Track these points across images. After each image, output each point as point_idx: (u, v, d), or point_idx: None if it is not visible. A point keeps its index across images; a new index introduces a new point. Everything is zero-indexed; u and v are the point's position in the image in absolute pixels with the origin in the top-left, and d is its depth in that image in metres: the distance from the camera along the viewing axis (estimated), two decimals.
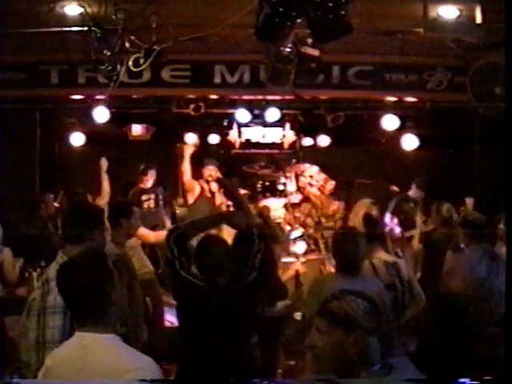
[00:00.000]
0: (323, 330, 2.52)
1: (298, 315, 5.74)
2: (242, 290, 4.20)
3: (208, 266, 4.21)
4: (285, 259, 8.04)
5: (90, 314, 2.54)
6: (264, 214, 6.13)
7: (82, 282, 2.53)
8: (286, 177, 9.57)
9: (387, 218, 7.81)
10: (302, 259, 8.33)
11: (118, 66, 6.70)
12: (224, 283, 4.18)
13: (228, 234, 6.04)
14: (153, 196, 9.10)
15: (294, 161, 9.92)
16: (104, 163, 8.54)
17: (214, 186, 8.46)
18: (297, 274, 6.46)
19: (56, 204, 8.49)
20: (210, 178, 8.69)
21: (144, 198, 8.99)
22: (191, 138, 10.46)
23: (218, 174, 8.61)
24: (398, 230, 7.71)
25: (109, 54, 6.42)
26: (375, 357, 2.47)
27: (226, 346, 4.04)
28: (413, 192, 8.70)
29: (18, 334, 3.56)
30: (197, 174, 8.69)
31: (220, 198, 8.41)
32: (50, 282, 3.28)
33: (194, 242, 4.47)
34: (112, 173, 8.76)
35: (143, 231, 6.55)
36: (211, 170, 8.72)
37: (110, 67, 6.62)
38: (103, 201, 8.05)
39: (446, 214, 6.98)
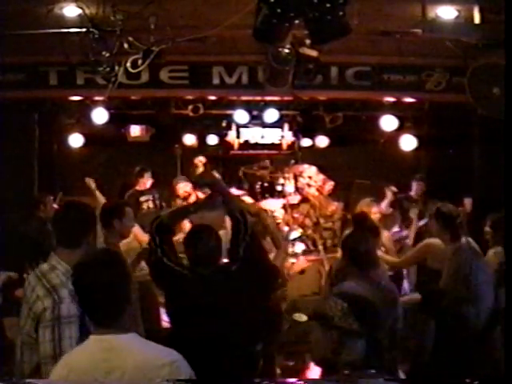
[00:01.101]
0: (312, 326, 2.60)
1: (298, 316, 5.73)
2: (225, 280, 4.12)
3: (198, 257, 4.15)
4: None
5: (110, 313, 2.50)
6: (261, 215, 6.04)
7: (101, 280, 2.49)
8: (285, 177, 9.55)
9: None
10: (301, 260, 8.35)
11: (117, 67, 6.71)
12: (208, 272, 4.11)
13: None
14: (151, 197, 9.08)
15: (292, 161, 9.90)
16: (91, 183, 8.13)
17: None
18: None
19: (55, 205, 8.47)
20: (186, 195, 8.69)
21: (142, 199, 8.98)
22: (190, 139, 10.47)
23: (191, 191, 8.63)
24: (395, 228, 7.71)
25: (107, 55, 6.43)
26: (355, 359, 2.45)
27: (214, 341, 3.95)
28: (414, 189, 8.71)
29: (20, 342, 3.46)
30: None
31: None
32: (59, 290, 3.22)
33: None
34: (111, 174, 8.75)
35: (141, 234, 6.54)
36: (185, 187, 8.73)
37: (108, 68, 6.63)
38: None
39: None
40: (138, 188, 9.06)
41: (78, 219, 3.56)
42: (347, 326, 2.46)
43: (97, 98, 8.62)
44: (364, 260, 4.36)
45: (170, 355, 2.50)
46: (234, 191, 9.11)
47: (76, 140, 9.92)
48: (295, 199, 9.41)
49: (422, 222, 7.67)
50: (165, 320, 6.61)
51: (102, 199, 8.14)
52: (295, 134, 10.32)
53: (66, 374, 2.51)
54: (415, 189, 8.74)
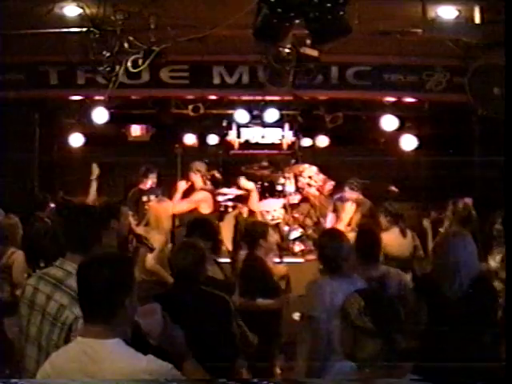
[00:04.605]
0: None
1: (296, 316, 5.74)
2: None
3: (181, 272, 4.01)
4: (284, 259, 8.05)
5: (101, 313, 2.48)
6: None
7: (96, 280, 2.48)
8: (285, 177, 9.55)
9: None
10: (301, 260, 8.35)
11: (117, 67, 6.71)
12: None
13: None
14: (153, 197, 9.08)
15: (292, 161, 9.91)
16: (95, 170, 8.22)
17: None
18: (288, 279, 6.40)
19: (53, 204, 8.46)
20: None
21: (145, 199, 8.97)
22: (190, 139, 10.48)
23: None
24: None
25: (108, 54, 6.44)
26: (368, 358, 2.45)
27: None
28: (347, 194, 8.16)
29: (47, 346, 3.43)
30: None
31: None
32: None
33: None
34: (111, 174, 8.75)
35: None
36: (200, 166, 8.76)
37: (108, 68, 6.63)
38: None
39: (464, 212, 6.70)
40: (140, 187, 9.07)
41: (88, 223, 3.53)
42: (362, 324, 2.46)
43: (97, 98, 8.61)
44: (334, 259, 4.38)
45: (151, 364, 2.45)
46: (235, 191, 9.13)
47: (76, 140, 9.93)
48: (295, 199, 9.42)
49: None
50: None
51: (93, 194, 8.10)
52: (295, 134, 10.34)
53: (50, 372, 2.55)
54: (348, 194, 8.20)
